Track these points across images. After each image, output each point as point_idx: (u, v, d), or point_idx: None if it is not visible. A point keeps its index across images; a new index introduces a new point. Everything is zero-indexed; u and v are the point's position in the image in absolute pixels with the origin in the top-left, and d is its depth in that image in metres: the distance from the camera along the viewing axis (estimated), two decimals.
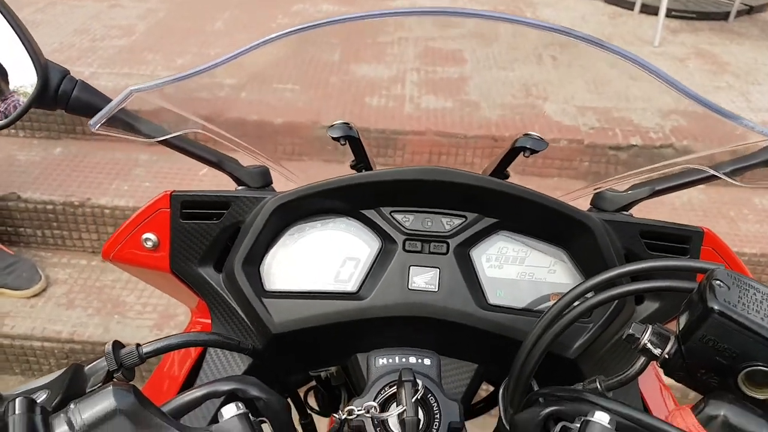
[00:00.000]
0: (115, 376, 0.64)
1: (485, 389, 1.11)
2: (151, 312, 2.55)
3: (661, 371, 0.63)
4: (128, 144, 2.96)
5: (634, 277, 0.67)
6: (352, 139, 0.84)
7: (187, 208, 0.81)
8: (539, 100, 2.95)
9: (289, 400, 0.96)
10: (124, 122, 0.78)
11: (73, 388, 0.56)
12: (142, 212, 0.82)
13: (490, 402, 1.11)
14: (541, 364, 0.69)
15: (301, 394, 1.11)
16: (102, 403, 0.52)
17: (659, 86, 0.77)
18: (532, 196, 0.76)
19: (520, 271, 0.82)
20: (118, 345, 0.64)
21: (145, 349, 0.64)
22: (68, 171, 2.81)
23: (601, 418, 0.55)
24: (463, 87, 2.89)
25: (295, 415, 1.00)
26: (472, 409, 1.13)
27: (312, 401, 1.14)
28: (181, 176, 2.73)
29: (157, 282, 0.93)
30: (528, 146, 0.84)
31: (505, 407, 0.71)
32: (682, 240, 0.80)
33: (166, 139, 0.78)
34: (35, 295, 2.49)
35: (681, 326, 0.57)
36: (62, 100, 0.78)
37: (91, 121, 0.75)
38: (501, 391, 0.72)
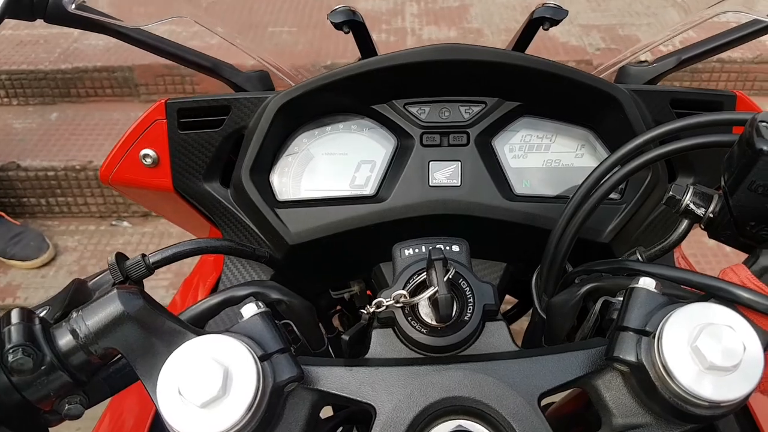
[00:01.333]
0: None
1: (509, 301, 1.07)
2: (164, 272, 2.53)
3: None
4: (125, 103, 2.89)
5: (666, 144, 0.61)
6: (355, 25, 0.77)
7: (185, 116, 0.76)
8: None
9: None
10: (97, 11, 0.71)
11: (75, 302, 0.51)
12: (138, 126, 0.77)
13: (518, 311, 1.07)
14: (574, 251, 0.64)
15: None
16: (108, 308, 0.47)
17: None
18: (557, 69, 0.70)
19: (546, 159, 0.77)
20: (121, 256, 0.60)
21: (152, 259, 0.60)
22: (67, 135, 2.75)
23: (647, 283, 0.51)
24: (465, 15, 2.78)
25: None
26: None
27: (338, 326, 1.11)
28: None
29: (162, 206, 0.88)
30: (547, 16, 0.77)
31: (539, 295, 0.66)
32: (713, 107, 0.74)
33: (151, 26, 0.71)
34: (45, 265, 2.47)
35: (725, 180, 0.52)
36: (39, 7, 0.71)
37: None
38: (534, 279, 0.67)
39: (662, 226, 0.75)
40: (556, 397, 0.77)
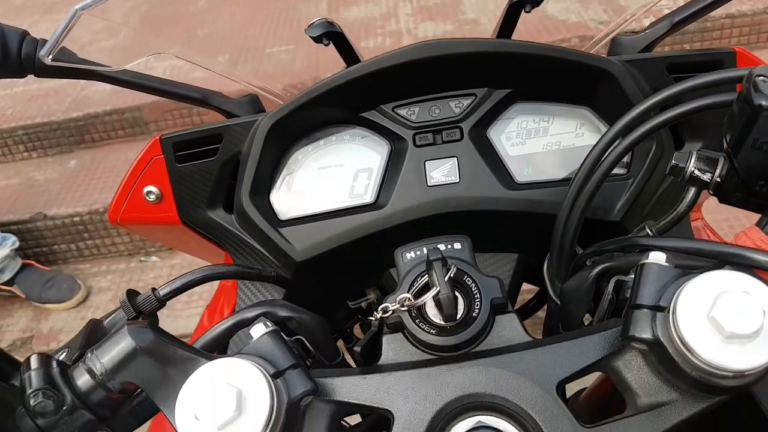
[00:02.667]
0: None
1: (529, 290, 1.06)
2: (197, 300, 2.56)
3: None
4: (138, 142, 2.95)
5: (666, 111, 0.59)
6: (335, 36, 0.77)
7: (181, 149, 0.76)
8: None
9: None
10: (81, 59, 0.73)
11: (92, 342, 0.52)
12: (137, 165, 0.78)
13: (541, 299, 1.05)
14: (586, 233, 0.63)
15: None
16: (120, 344, 0.48)
17: None
18: (543, 51, 0.69)
19: (545, 143, 0.76)
20: (132, 293, 0.61)
21: (162, 291, 0.61)
22: (87, 180, 2.82)
23: (657, 257, 0.49)
24: (459, 7, 2.76)
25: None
26: (521, 311, 1.08)
27: (360, 335, 1.11)
28: None
29: (174, 239, 0.90)
30: None
31: (552, 281, 0.65)
32: (713, 67, 0.71)
33: (132, 66, 0.72)
34: (79, 304, 2.53)
35: (728, 141, 0.50)
36: (27, 64, 0.73)
37: (42, 51, 0.69)
38: (545, 267, 0.66)
39: (675, 197, 0.73)
40: (585, 384, 0.75)
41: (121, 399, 0.50)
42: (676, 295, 0.46)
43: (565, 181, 0.74)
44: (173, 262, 2.75)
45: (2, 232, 2.49)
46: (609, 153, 0.59)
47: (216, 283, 1.01)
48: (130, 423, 0.54)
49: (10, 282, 2.48)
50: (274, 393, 0.47)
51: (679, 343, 0.45)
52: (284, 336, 0.53)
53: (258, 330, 0.52)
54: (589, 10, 2.68)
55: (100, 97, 3.08)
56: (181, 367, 0.49)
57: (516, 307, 1.05)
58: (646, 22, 0.83)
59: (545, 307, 1.08)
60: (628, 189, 0.70)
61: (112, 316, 0.60)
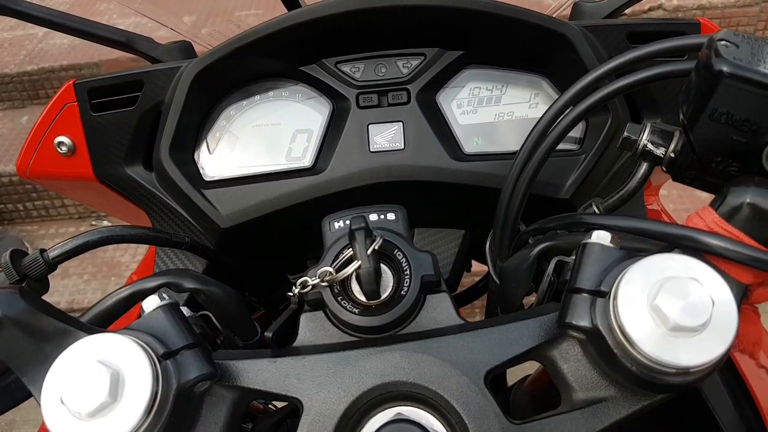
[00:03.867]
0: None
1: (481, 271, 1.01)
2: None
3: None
4: None
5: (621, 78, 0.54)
6: None
7: (97, 97, 0.69)
8: None
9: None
10: None
11: None
12: (48, 112, 0.70)
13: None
14: (533, 210, 0.57)
15: None
16: None
17: None
18: (499, 9, 0.63)
19: (497, 113, 0.70)
20: (18, 253, 0.53)
21: (52, 253, 0.53)
22: None
23: (601, 237, 0.44)
24: None
25: None
26: (468, 293, 1.03)
27: None
28: None
29: (92, 198, 0.82)
30: None
31: (494, 260, 0.60)
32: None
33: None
34: None
35: (684, 112, 0.45)
36: None
37: None
38: (488, 244, 0.61)
39: (628, 176, 0.68)
40: (530, 371, 0.71)
41: None
42: (618, 279, 0.41)
43: (514, 154, 0.69)
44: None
45: None
46: (558, 122, 0.53)
47: (145, 248, 0.94)
48: (4, 403, 0.48)
49: None
50: (159, 376, 0.41)
51: (619, 334, 0.41)
52: (187, 312, 0.47)
53: (151, 303, 0.46)
54: None
55: (58, 51, 2.94)
56: (56, 342, 0.43)
57: (462, 288, 1.00)
58: None
59: None
60: (580, 165, 0.65)
61: None
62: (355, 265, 0.45)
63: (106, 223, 2.68)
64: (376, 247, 0.47)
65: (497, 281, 0.58)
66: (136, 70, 0.68)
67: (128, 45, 0.72)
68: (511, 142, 0.69)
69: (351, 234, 0.46)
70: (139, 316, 0.65)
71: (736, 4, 2.62)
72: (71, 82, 0.69)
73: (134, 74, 0.67)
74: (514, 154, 0.68)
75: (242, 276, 0.76)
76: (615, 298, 0.41)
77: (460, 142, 0.69)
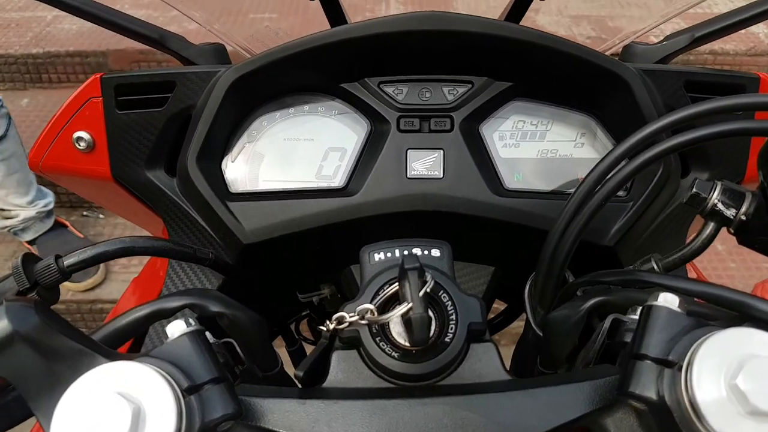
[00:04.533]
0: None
1: (495, 306, 0.98)
2: (137, 266, 2.41)
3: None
4: None
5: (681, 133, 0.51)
6: None
7: (124, 93, 0.65)
8: (530, 12, 2.79)
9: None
10: None
11: None
12: (70, 104, 0.66)
13: (508, 316, 0.97)
14: (573, 255, 0.54)
15: (292, 328, 0.97)
16: None
17: None
18: (556, 44, 0.60)
19: (540, 149, 0.67)
20: (30, 258, 0.49)
21: (68, 261, 0.49)
22: (37, 122, 2.64)
23: (669, 300, 0.41)
24: (451, 2, 2.66)
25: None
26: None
27: (308, 334, 1.01)
28: None
29: (103, 197, 0.77)
30: None
31: (533, 308, 0.56)
32: (734, 90, 0.64)
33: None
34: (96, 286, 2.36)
35: (764, 176, 0.42)
36: None
37: None
38: (527, 289, 0.57)
39: (673, 227, 0.66)
40: None
41: None
42: (692, 350, 0.38)
43: (557, 194, 0.66)
44: (118, 221, 2.59)
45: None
46: (615, 173, 0.50)
47: None
48: (1, 422, 0.43)
49: (32, 242, 2.34)
50: (183, 414, 0.37)
51: (689, 409, 0.37)
52: (210, 337, 0.43)
53: (176, 328, 0.42)
54: (579, 27, 2.63)
55: (65, 36, 2.90)
56: (69, 364, 0.39)
57: None
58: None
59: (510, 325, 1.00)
60: (626, 213, 0.62)
61: (1, 284, 0.48)
62: (403, 308, 0.42)
63: (99, 216, 2.62)
64: (428, 290, 0.43)
65: (537, 331, 0.54)
66: (168, 70, 0.64)
67: (160, 42, 0.68)
68: (552, 181, 0.66)
69: (402, 272, 0.42)
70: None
71: (748, 53, 2.64)
72: (98, 75, 0.65)
73: (167, 74, 0.64)
74: (554, 194, 0.66)
75: (253, 293, 0.72)
76: (688, 371, 0.38)
77: (501, 176, 0.66)
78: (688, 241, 0.52)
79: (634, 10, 2.80)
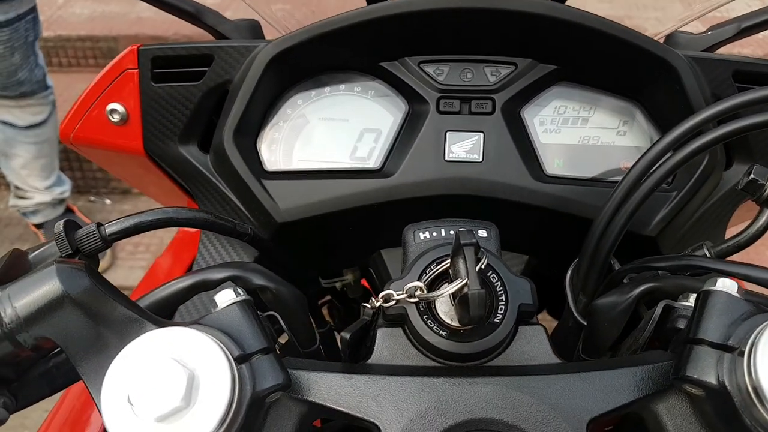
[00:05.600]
0: None
1: None
2: (143, 252, 2.40)
3: None
4: None
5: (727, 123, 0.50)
6: None
7: (161, 66, 0.64)
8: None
9: None
10: None
11: (7, 277, 0.40)
12: (105, 75, 0.65)
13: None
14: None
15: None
16: (43, 286, 0.37)
17: None
18: (605, 26, 0.59)
19: (582, 135, 0.66)
20: (72, 225, 0.48)
21: (109, 229, 0.48)
22: None
23: (727, 285, 0.40)
24: None
25: None
26: None
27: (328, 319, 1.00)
28: None
29: (132, 173, 0.76)
30: None
31: (575, 296, 0.55)
32: None
33: None
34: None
35: None
36: None
37: None
38: (568, 277, 0.56)
39: (714, 220, 0.65)
40: None
41: (32, 358, 0.40)
42: (755, 335, 0.37)
43: (598, 181, 0.65)
44: (124, 207, 2.58)
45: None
46: (662, 162, 0.49)
47: (170, 234, 0.89)
48: (41, 389, 0.43)
49: (39, 226, 2.35)
50: (237, 382, 0.36)
51: (751, 393, 0.37)
52: (256, 311, 0.42)
53: (226, 297, 0.41)
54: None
55: (76, 20, 2.89)
56: (119, 330, 0.38)
57: None
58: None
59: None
60: (670, 203, 0.61)
61: (42, 249, 0.47)
62: (457, 284, 0.41)
63: (107, 201, 2.61)
64: (483, 267, 0.42)
65: (580, 319, 0.53)
66: (207, 44, 0.63)
67: (196, 16, 0.67)
68: (595, 168, 0.65)
69: (458, 248, 0.41)
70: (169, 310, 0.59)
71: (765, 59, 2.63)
72: (135, 46, 0.64)
73: (205, 47, 0.62)
74: (595, 181, 0.65)
75: (283, 275, 0.71)
76: (752, 355, 0.37)
77: (542, 161, 0.65)
78: (741, 230, 0.51)
79: (650, 12, 2.80)
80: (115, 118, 0.65)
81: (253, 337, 0.39)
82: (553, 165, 0.65)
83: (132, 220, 0.49)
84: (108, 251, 2.35)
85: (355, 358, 0.50)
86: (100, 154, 0.71)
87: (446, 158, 0.63)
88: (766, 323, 0.38)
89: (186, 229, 0.80)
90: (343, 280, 0.87)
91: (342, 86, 0.67)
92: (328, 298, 0.96)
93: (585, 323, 0.53)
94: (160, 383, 0.35)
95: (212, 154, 0.65)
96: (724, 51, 0.71)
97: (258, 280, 0.47)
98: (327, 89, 0.67)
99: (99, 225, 0.48)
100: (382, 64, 0.65)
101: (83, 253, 0.47)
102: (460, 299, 0.41)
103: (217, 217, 0.52)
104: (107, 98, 0.65)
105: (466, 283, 0.40)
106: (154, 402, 0.34)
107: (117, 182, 2.59)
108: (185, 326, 0.38)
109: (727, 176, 0.65)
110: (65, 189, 2.32)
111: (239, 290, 0.42)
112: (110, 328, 0.38)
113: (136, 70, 0.64)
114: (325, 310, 0.98)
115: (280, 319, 0.49)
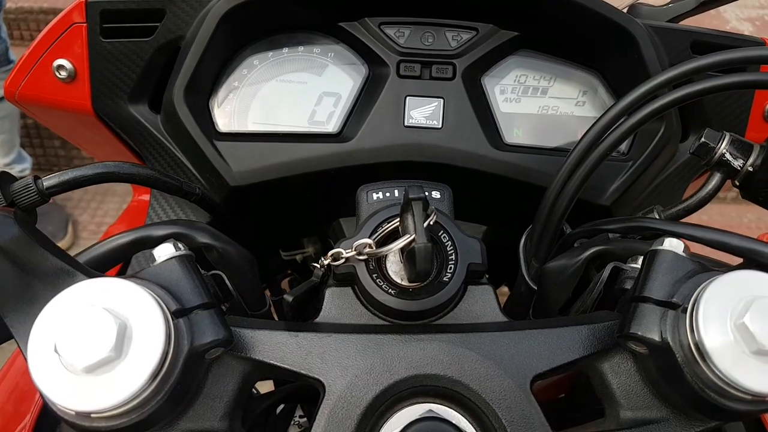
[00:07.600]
0: None
1: None
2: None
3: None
4: None
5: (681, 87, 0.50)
6: None
7: (110, 21, 0.61)
8: None
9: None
10: None
11: None
12: (52, 29, 0.62)
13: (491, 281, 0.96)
14: (568, 214, 0.53)
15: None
16: None
17: None
18: None
19: (541, 105, 0.66)
20: (7, 177, 0.46)
21: (47, 183, 0.46)
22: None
23: (674, 245, 0.40)
24: None
25: None
26: None
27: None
28: None
29: (79, 133, 0.73)
30: None
31: (528, 261, 0.55)
32: None
33: None
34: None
35: None
36: None
37: None
38: (522, 243, 0.56)
39: (669, 190, 0.65)
40: None
41: None
42: (697, 292, 0.38)
43: (556, 150, 0.65)
44: (89, 188, 2.51)
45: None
46: (616, 127, 0.49)
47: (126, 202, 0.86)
48: None
49: None
50: (172, 335, 0.35)
51: (693, 349, 0.37)
52: (199, 267, 0.41)
53: (164, 251, 0.40)
54: None
55: None
56: (50, 281, 0.36)
57: None
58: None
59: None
60: (625, 172, 0.61)
61: None
62: (405, 239, 0.40)
63: None
64: (431, 223, 0.41)
65: (530, 283, 0.53)
66: None
67: None
68: (553, 138, 0.65)
69: (407, 203, 0.40)
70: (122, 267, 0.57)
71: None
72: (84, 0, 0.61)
73: (156, 1, 0.60)
74: (553, 150, 0.65)
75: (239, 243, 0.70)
76: (694, 312, 0.37)
77: (501, 130, 0.64)
78: (691, 193, 0.51)
79: None
80: (63, 74, 0.63)
81: (192, 292, 0.38)
82: (512, 134, 0.65)
83: (71, 174, 0.47)
84: (69, 230, 2.29)
85: (302, 320, 0.49)
86: (46, 112, 0.68)
87: (406, 124, 0.62)
88: (709, 281, 0.38)
89: (141, 197, 0.78)
90: (303, 252, 0.86)
91: (301, 48, 0.65)
92: (288, 271, 0.95)
93: (536, 288, 0.53)
94: (90, 333, 0.33)
95: (163, 113, 0.63)
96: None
97: (202, 238, 0.46)
98: (285, 50, 0.66)
99: (36, 178, 0.46)
100: (341, 24, 0.63)
101: (19, 207, 0.45)
102: (407, 254, 0.40)
103: (163, 174, 0.51)
104: (54, 53, 0.62)
105: (413, 238, 0.39)
106: (82, 352, 0.33)
107: (79, 159, 2.52)
108: (122, 279, 0.37)
109: (683, 147, 0.65)
110: (26, 167, 2.26)
111: (180, 245, 0.40)
112: (40, 279, 0.36)
113: (85, 25, 0.61)
114: (286, 284, 0.97)
115: (225, 279, 0.48)
